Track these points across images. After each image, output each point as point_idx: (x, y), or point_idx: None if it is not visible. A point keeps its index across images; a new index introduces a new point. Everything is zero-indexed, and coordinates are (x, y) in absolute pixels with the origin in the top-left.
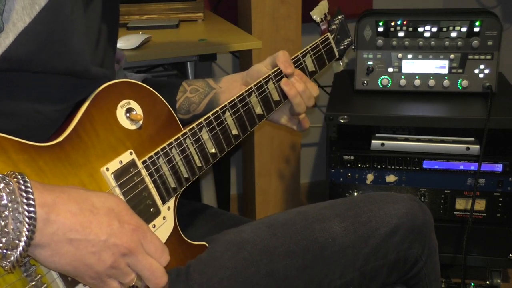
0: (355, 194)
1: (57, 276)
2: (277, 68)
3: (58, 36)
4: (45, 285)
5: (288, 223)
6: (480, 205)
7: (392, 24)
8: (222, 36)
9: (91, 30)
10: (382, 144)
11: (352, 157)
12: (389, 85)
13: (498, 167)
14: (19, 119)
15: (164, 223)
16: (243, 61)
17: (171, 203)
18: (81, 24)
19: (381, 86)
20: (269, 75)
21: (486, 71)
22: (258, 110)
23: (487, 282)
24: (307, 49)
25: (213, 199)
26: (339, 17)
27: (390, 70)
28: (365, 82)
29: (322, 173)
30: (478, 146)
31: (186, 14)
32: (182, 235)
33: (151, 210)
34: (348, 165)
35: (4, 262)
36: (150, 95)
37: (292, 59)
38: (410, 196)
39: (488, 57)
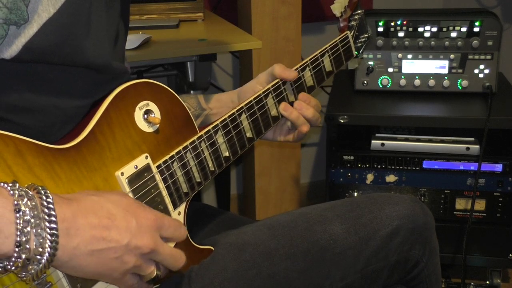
0: (355, 194)
1: (67, 285)
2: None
3: (80, 29)
4: None
5: (289, 225)
6: (480, 205)
7: (392, 24)
8: (222, 36)
9: (112, 27)
10: (382, 144)
11: (352, 157)
12: (389, 85)
13: (498, 167)
14: (38, 114)
15: None
16: (243, 61)
17: (181, 208)
18: (102, 19)
19: (381, 86)
20: (280, 80)
21: (486, 71)
22: (274, 112)
23: (487, 282)
24: (326, 48)
25: (213, 199)
26: (359, 11)
27: (390, 70)
28: (365, 82)
29: (322, 173)
30: (478, 146)
31: (186, 14)
32: (190, 239)
33: None
34: (348, 165)
35: (24, 273)
36: (169, 96)
37: (310, 59)
38: (411, 197)
39: (488, 57)
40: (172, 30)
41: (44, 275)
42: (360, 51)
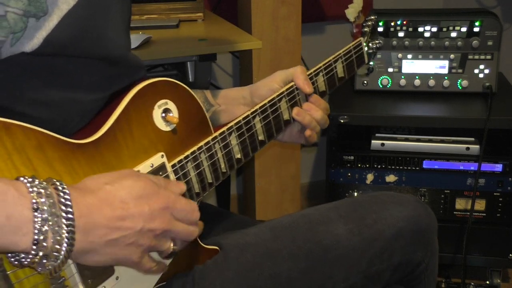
0: (355, 194)
1: (79, 280)
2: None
3: (98, 21)
4: None
5: (292, 226)
6: (480, 205)
7: (392, 24)
8: (222, 36)
9: (126, 18)
10: (382, 144)
11: (352, 157)
12: (389, 85)
13: (498, 167)
14: (55, 108)
15: None
16: (243, 61)
17: None
18: (118, 10)
19: (381, 86)
20: (295, 84)
21: (486, 71)
22: (286, 116)
23: (487, 282)
24: (340, 54)
25: (213, 199)
26: (372, 17)
27: (390, 70)
28: (365, 82)
29: (322, 173)
30: (478, 146)
31: (186, 14)
32: (198, 239)
33: None
34: (348, 165)
35: (41, 268)
36: (187, 96)
37: (324, 64)
38: (415, 198)
39: (488, 57)
40: (172, 30)
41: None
42: (371, 58)
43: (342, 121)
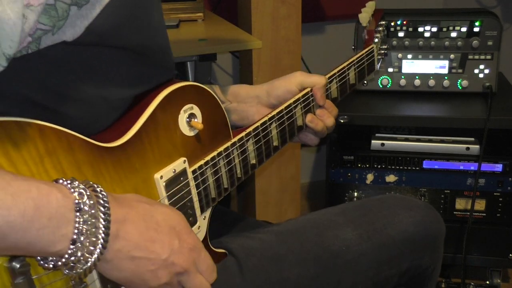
0: (355, 194)
1: (100, 286)
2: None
3: (141, 11)
4: None
5: (299, 231)
6: (480, 205)
7: (392, 24)
8: (222, 36)
9: (161, 10)
10: (382, 144)
11: (352, 157)
12: (389, 85)
13: (498, 167)
14: (83, 104)
15: (198, 233)
16: (243, 61)
17: (207, 213)
18: (158, 2)
19: (381, 86)
20: (310, 91)
21: (486, 71)
22: (300, 122)
23: (487, 282)
24: (353, 61)
25: None
26: (382, 23)
27: (390, 70)
28: (365, 82)
29: (322, 173)
30: (478, 146)
31: (186, 14)
32: (209, 243)
33: (190, 219)
34: (348, 165)
35: (68, 271)
36: (211, 101)
37: (338, 70)
38: (425, 203)
39: (488, 57)
40: (172, 30)
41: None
42: (379, 64)
43: (342, 121)
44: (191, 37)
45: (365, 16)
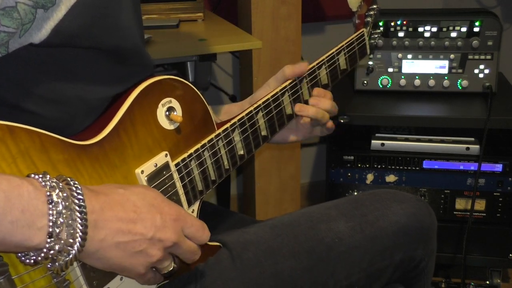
0: (355, 194)
1: (84, 283)
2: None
3: (109, 10)
4: None
5: (292, 224)
6: (480, 205)
7: (392, 24)
8: (222, 36)
9: (137, 8)
10: (382, 144)
11: (352, 157)
12: (389, 85)
13: (498, 167)
14: (61, 105)
15: None
16: (243, 61)
17: (195, 206)
18: (129, 2)
19: (381, 86)
20: (299, 77)
21: (486, 71)
22: (289, 110)
23: (487, 282)
24: (342, 46)
25: (213, 199)
26: (374, 6)
27: (390, 70)
28: (365, 82)
29: (322, 173)
30: (478, 146)
31: (186, 14)
32: None
33: None
34: (348, 165)
35: (51, 264)
36: (191, 93)
37: (327, 56)
38: (416, 196)
39: (488, 57)
40: (172, 30)
41: (71, 266)
42: (373, 50)
43: (342, 121)
44: (191, 37)
45: (354, 0)
